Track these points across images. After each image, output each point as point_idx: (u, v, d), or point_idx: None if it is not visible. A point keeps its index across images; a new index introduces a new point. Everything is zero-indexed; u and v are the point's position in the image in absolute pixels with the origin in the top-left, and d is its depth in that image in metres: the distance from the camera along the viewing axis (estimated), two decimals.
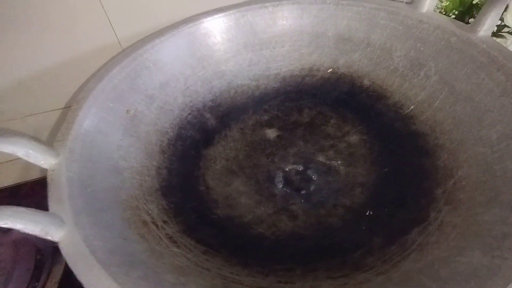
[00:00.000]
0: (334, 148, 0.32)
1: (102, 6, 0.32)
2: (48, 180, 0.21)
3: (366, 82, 0.34)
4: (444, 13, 0.35)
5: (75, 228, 0.18)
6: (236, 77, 0.36)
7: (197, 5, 0.35)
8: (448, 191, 0.23)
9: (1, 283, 0.28)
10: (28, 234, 0.32)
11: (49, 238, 0.17)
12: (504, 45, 0.31)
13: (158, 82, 0.32)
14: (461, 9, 0.35)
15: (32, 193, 0.40)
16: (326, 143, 0.32)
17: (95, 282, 0.16)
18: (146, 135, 0.30)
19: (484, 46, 0.26)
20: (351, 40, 0.35)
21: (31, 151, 0.20)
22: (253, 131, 0.34)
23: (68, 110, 0.26)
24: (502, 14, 0.33)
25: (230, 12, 0.35)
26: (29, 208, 0.17)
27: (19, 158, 0.41)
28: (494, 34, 0.35)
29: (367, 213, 0.26)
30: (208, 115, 0.34)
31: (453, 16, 0.35)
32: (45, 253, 0.32)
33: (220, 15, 0.34)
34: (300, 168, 0.31)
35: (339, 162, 0.30)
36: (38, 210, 0.17)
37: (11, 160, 0.40)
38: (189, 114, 0.33)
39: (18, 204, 0.17)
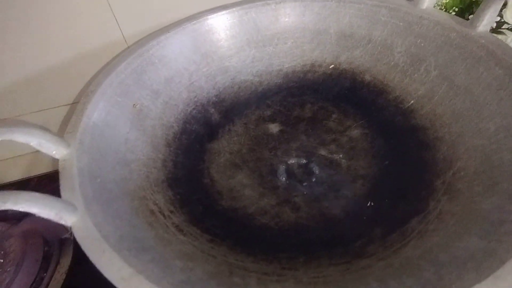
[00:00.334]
0: (335, 142, 0.32)
1: (109, 4, 0.33)
2: (60, 169, 0.21)
3: (367, 78, 0.35)
4: (444, 10, 0.36)
5: (87, 214, 0.19)
6: (239, 73, 0.37)
7: (201, 3, 0.36)
8: (448, 182, 0.24)
9: (11, 272, 0.29)
10: (36, 226, 0.33)
11: (62, 222, 0.18)
12: (505, 42, 0.32)
13: (163, 77, 0.33)
14: (461, 6, 0.36)
15: (39, 187, 0.41)
16: (328, 137, 0.33)
17: (108, 264, 0.16)
18: (152, 129, 0.30)
19: (483, 41, 0.26)
20: (353, 37, 0.36)
21: (43, 141, 0.21)
22: (256, 125, 0.35)
23: (75, 106, 0.27)
24: (502, 11, 0.34)
25: (234, 9, 0.35)
26: (43, 194, 0.18)
27: (26, 154, 0.42)
28: (494, 31, 0.35)
29: (368, 205, 0.27)
30: (212, 110, 0.35)
31: (453, 13, 0.35)
32: (53, 245, 0.33)
33: (224, 12, 0.35)
34: (303, 161, 0.31)
35: (341, 155, 0.31)
36: (52, 196, 0.18)
37: (18, 156, 0.41)
38: (194, 109, 0.34)
39: None
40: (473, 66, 0.26)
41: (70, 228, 0.18)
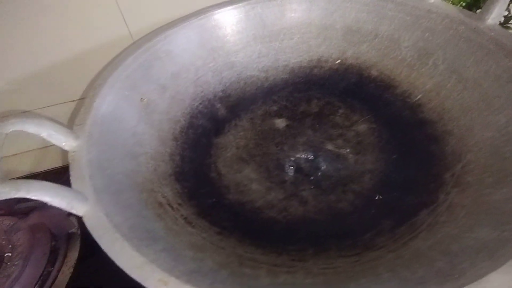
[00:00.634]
0: (342, 137, 0.32)
1: (116, 1, 0.33)
2: (70, 160, 0.21)
3: (374, 73, 0.35)
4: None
5: (97, 204, 0.19)
6: (245, 68, 0.37)
7: None
8: (457, 174, 0.24)
9: (19, 266, 0.29)
10: (43, 221, 0.33)
11: (74, 212, 0.18)
12: None
13: (170, 72, 0.33)
14: (468, 1, 0.36)
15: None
16: (335, 132, 0.33)
17: (120, 253, 0.16)
18: (159, 123, 0.30)
19: (492, 33, 0.26)
20: (359, 32, 0.35)
21: (53, 133, 0.21)
22: (262, 121, 0.35)
23: (82, 102, 0.27)
24: (510, 5, 0.33)
25: (240, 4, 0.35)
26: (55, 183, 0.18)
27: (32, 150, 0.42)
28: (501, 25, 0.35)
29: (376, 198, 0.27)
30: (218, 105, 0.35)
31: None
32: (60, 239, 0.33)
33: (230, 7, 0.35)
34: (309, 156, 0.31)
35: (348, 150, 0.31)
36: (63, 186, 0.18)
37: (25, 152, 0.41)
38: (200, 104, 0.34)
39: None
40: (482, 59, 0.26)
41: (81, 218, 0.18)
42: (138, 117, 0.29)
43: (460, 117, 0.27)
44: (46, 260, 0.30)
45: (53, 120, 0.22)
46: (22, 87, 0.35)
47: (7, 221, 0.33)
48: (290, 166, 0.31)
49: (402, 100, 0.32)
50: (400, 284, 0.17)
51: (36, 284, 0.29)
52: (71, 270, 0.31)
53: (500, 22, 0.34)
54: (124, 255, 0.16)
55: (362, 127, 0.33)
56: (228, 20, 0.36)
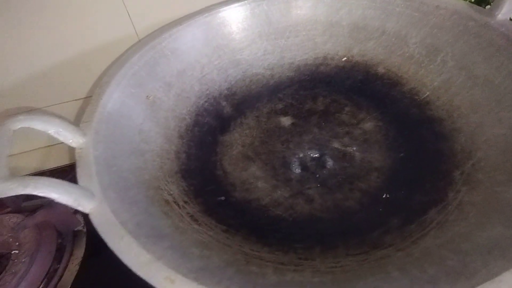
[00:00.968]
0: (349, 135, 0.32)
1: None
2: (77, 157, 0.21)
3: (380, 70, 0.34)
4: None
5: (104, 201, 0.19)
6: (251, 66, 0.36)
7: None
8: (467, 172, 0.23)
9: (26, 263, 0.29)
10: (49, 218, 0.33)
11: (80, 209, 0.18)
12: None
13: (176, 70, 0.33)
14: None
15: None
16: (341, 130, 0.32)
17: (126, 250, 0.16)
18: (165, 121, 0.30)
19: (503, 29, 0.26)
20: (366, 29, 0.35)
21: (61, 130, 0.21)
22: (268, 118, 0.34)
23: (88, 100, 0.27)
24: None
25: (246, 2, 0.35)
26: (62, 180, 0.18)
27: (38, 148, 0.42)
28: None
29: (383, 196, 0.26)
30: (224, 103, 0.35)
31: None
32: (66, 237, 0.33)
33: (236, 5, 0.35)
34: (316, 154, 0.31)
35: (354, 148, 0.31)
36: (70, 183, 0.18)
37: (31, 150, 0.41)
38: (206, 101, 0.34)
39: None
40: (493, 55, 0.26)
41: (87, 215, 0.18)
42: (144, 115, 0.29)
43: (470, 114, 0.27)
44: (52, 258, 0.31)
45: (61, 117, 0.22)
46: (29, 85, 0.36)
47: (14, 219, 0.33)
48: (296, 164, 0.30)
49: (409, 98, 0.32)
50: (410, 283, 0.16)
51: (42, 281, 0.29)
52: (77, 267, 0.31)
53: (511, 17, 0.33)
54: (131, 252, 0.16)
55: (368, 124, 0.32)
56: (233, 18, 0.36)
